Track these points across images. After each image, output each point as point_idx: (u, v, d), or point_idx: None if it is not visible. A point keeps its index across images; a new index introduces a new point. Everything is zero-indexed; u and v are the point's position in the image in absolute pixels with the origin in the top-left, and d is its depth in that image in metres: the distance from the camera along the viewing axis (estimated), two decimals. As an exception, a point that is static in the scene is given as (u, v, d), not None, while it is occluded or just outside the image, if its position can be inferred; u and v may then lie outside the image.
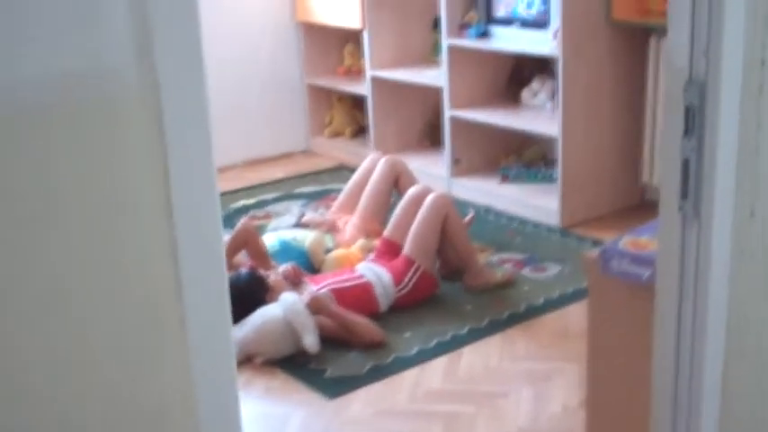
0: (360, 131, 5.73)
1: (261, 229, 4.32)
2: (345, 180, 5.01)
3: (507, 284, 3.67)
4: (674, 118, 1.40)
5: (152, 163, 0.96)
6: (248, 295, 3.28)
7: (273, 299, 3.28)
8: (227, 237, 3.57)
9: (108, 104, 0.92)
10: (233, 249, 3.54)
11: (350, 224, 4.02)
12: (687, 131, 1.38)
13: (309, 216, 4.18)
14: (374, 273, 3.51)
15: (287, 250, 3.73)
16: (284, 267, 3.49)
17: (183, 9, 0.94)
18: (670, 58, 1.41)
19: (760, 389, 1.52)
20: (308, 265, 3.73)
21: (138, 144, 0.95)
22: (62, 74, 0.89)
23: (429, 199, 3.60)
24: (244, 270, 3.38)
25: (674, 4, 1.38)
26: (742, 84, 1.33)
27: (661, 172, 1.48)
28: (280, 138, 5.74)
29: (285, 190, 5.06)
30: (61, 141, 0.92)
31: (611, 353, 2.28)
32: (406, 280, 3.50)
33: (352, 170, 5.24)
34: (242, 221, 3.70)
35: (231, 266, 3.47)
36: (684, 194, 1.41)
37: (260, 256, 3.58)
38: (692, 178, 1.39)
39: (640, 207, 4.45)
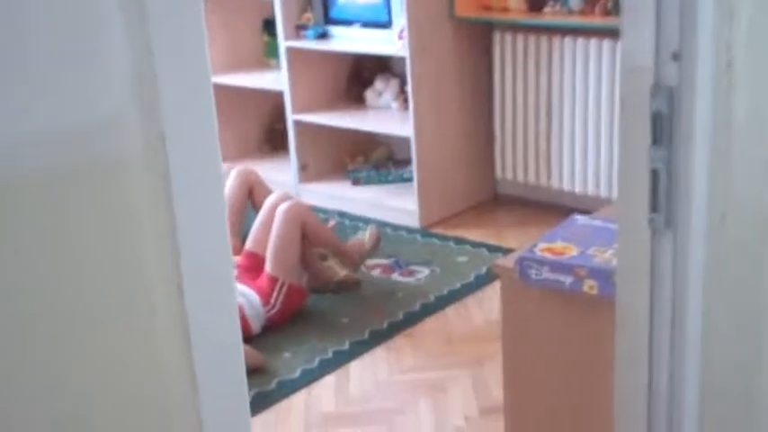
0: (193, 141, 5.43)
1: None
2: (185, 194, 4.75)
3: (351, 284, 3.61)
4: (638, 126, 1.32)
5: (159, 233, 0.76)
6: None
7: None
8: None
9: (109, 163, 0.72)
10: None
11: (206, 243, 3.77)
12: (655, 141, 1.31)
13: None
14: (241, 293, 3.30)
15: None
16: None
17: (190, 43, 0.75)
18: (628, 60, 1.33)
19: (738, 400, 1.48)
20: (167, 291, 3.46)
21: (143, 211, 0.75)
22: (59, 131, 0.68)
23: (280, 210, 3.41)
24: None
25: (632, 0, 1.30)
26: (712, 87, 1.27)
27: (620, 183, 1.40)
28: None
29: (121, 209, 4.71)
30: (58, 210, 0.71)
31: (529, 361, 2.21)
32: (273, 300, 3.32)
33: (191, 183, 4.98)
34: None
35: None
36: (654, 207, 1.34)
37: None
38: (662, 190, 1.32)
39: (494, 201, 4.48)
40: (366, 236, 3.78)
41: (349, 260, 3.66)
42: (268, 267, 3.35)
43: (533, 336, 2.16)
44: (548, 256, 2.02)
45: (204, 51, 0.78)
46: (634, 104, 1.32)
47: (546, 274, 2.01)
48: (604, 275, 1.93)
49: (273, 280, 3.32)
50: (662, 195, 1.33)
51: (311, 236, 3.47)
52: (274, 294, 3.32)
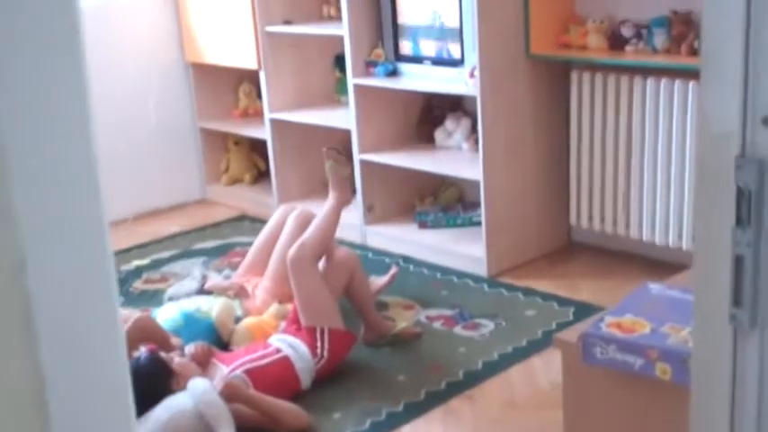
0: (260, 177, 5.33)
1: (157, 296, 3.87)
2: (248, 232, 4.62)
3: (411, 336, 3.40)
4: (719, 203, 1.09)
5: (22, 402, 0.57)
6: (150, 384, 2.82)
7: (180, 386, 2.85)
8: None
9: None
10: (129, 345, 3.07)
11: (260, 288, 3.61)
12: (740, 221, 1.08)
13: (214, 281, 3.74)
14: (290, 345, 3.11)
15: (191, 324, 3.30)
16: (191, 347, 3.05)
17: (65, 116, 0.55)
18: (709, 124, 1.10)
19: None
20: (217, 338, 3.31)
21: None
22: None
23: (288, 263, 3.20)
24: (143, 353, 2.93)
25: (714, 48, 1.08)
26: (812, 160, 1.04)
27: (697, 268, 1.17)
28: (173, 187, 5.28)
29: (182, 246, 4.61)
30: None
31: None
32: (319, 350, 3.11)
33: (254, 220, 4.86)
34: (134, 320, 3.13)
35: (129, 356, 3.02)
36: (737, 301, 1.10)
37: (162, 342, 3.12)
38: (746, 281, 1.09)
39: (569, 249, 4.21)
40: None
41: (371, 333, 3.39)
42: (302, 321, 3.16)
43: (597, 418, 1.92)
44: (615, 333, 1.78)
45: (89, 129, 0.57)
46: (715, 177, 1.09)
47: (613, 353, 1.77)
48: (680, 359, 1.68)
49: (312, 330, 3.13)
50: (747, 287, 1.09)
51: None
52: (318, 344, 3.12)
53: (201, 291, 3.62)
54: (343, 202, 3.49)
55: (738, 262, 1.09)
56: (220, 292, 3.57)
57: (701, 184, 1.12)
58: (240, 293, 3.59)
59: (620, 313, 1.85)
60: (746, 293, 1.09)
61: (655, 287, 1.97)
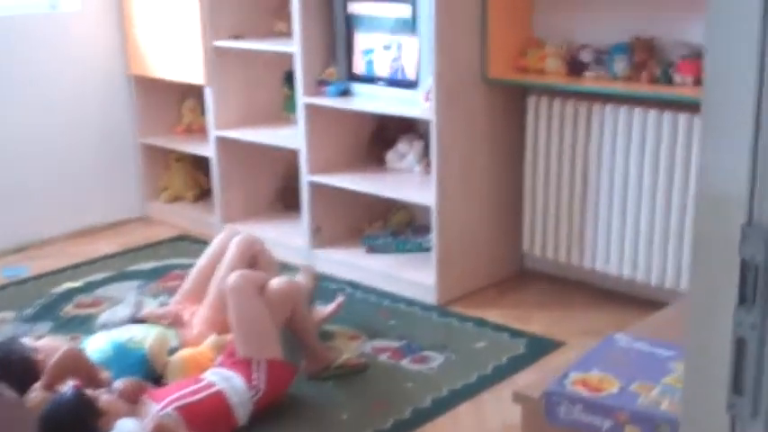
0: (202, 195, 5.12)
1: (89, 322, 3.64)
2: (187, 253, 4.42)
3: (357, 368, 3.25)
4: (718, 278, 0.95)
5: None
6: (75, 424, 2.61)
7: (108, 426, 2.63)
8: (48, 357, 2.92)
9: None
10: (56, 378, 2.85)
11: (198, 317, 3.40)
12: (743, 300, 0.94)
13: (148, 309, 3.52)
14: (224, 378, 2.90)
15: (122, 356, 3.08)
16: (120, 383, 2.84)
17: None
18: (708, 185, 0.96)
19: None
20: (150, 370, 3.10)
21: None
22: None
23: (230, 291, 3.04)
24: (68, 390, 2.71)
25: (719, 90, 0.93)
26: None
27: (690, 352, 1.02)
28: (110, 204, 5.04)
29: (118, 268, 4.37)
30: None
31: None
32: (256, 382, 2.91)
33: (195, 240, 4.65)
34: (62, 351, 2.91)
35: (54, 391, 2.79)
36: (738, 388, 0.96)
37: (90, 377, 2.90)
38: (749, 367, 0.95)
39: (521, 277, 4.09)
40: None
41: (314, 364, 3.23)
42: (239, 352, 2.97)
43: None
44: (581, 391, 1.64)
45: None
46: (714, 248, 0.95)
47: (578, 414, 1.62)
48: (650, 423, 1.54)
49: (247, 361, 2.94)
50: (749, 374, 0.95)
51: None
52: (254, 375, 2.92)
53: (135, 319, 3.40)
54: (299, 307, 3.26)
55: (740, 345, 0.94)
56: (155, 320, 3.36)
57: (698, 254, 0.98)
58: (176, 322, 3.38)
59: (586, 368, 1.71)
60: (748, 381, 0.95)
61: (621, 338, 1.83)
